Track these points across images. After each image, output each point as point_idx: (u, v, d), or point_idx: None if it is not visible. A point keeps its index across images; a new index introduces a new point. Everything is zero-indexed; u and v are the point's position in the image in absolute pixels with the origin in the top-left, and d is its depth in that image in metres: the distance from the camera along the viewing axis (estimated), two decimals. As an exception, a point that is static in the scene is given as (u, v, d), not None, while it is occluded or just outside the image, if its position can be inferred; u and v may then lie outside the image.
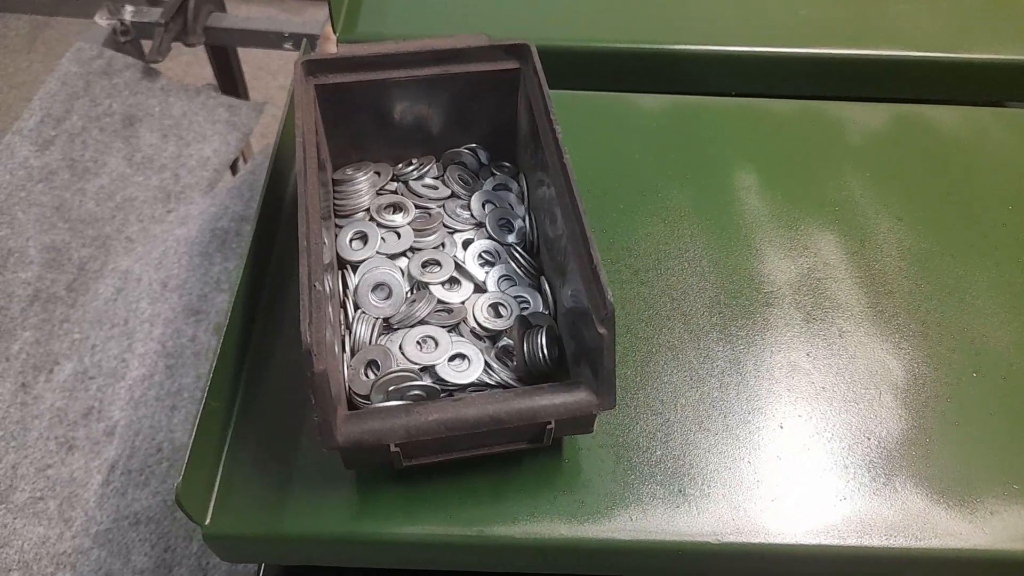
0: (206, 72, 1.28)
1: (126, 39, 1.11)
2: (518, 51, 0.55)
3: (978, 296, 0.58)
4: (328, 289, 0.47)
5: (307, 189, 0.46)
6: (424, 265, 0.54)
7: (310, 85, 0.54)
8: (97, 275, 0.94)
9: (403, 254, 0.55)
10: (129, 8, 1.10)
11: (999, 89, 0.77)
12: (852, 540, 0.47)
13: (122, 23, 1.10)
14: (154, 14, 1.09)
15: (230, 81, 1.26)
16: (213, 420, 0.47)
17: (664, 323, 0.56)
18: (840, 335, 0.55)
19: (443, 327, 0.51)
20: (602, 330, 0.41)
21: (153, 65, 1.09)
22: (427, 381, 0.48)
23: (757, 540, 0.46)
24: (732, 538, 0.46)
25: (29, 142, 0.96)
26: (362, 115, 0.57)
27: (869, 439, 0.50)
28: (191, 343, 0.89)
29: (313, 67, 0.54)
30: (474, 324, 0.52)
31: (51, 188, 0.95)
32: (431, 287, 0.53)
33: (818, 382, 0.53)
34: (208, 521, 0.46)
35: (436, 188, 0.58)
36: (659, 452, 0.49)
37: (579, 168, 0.65)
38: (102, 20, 1.10)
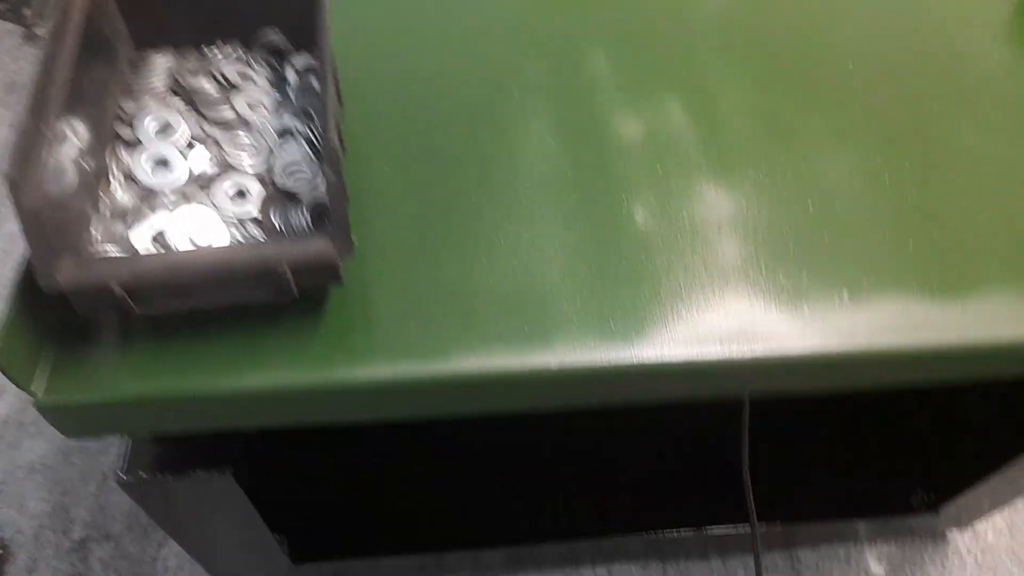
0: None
1: (6, 7, 1.09)
2: None
3: (811, 141, 0.60)
4: (81, 145, 0.46)
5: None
6: (236, 144, 0.53)
7: None
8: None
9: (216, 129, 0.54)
10: (6, -24, 1.08)
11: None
12: (692, 352, 0.48)
13: (-1, -9, 1.08)
14: (30, -21, 1.07)
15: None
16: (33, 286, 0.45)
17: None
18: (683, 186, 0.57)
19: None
20: (330, 175, 0.41)
21: (34, 30, 1.07)
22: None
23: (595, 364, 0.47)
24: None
25: (-97, 111, 0.94)
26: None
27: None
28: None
29: None
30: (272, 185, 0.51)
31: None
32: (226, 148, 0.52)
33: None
34: (43, 393, 0.45)
35: (244, 74, 0.57)
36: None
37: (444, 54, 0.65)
38: (-22, -10, 1.08)
